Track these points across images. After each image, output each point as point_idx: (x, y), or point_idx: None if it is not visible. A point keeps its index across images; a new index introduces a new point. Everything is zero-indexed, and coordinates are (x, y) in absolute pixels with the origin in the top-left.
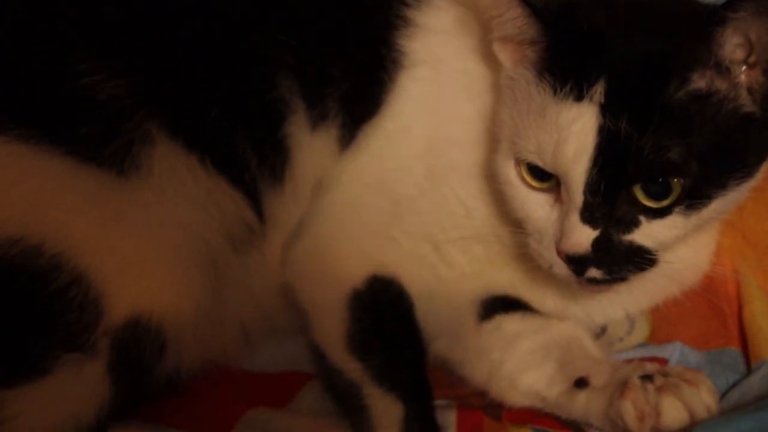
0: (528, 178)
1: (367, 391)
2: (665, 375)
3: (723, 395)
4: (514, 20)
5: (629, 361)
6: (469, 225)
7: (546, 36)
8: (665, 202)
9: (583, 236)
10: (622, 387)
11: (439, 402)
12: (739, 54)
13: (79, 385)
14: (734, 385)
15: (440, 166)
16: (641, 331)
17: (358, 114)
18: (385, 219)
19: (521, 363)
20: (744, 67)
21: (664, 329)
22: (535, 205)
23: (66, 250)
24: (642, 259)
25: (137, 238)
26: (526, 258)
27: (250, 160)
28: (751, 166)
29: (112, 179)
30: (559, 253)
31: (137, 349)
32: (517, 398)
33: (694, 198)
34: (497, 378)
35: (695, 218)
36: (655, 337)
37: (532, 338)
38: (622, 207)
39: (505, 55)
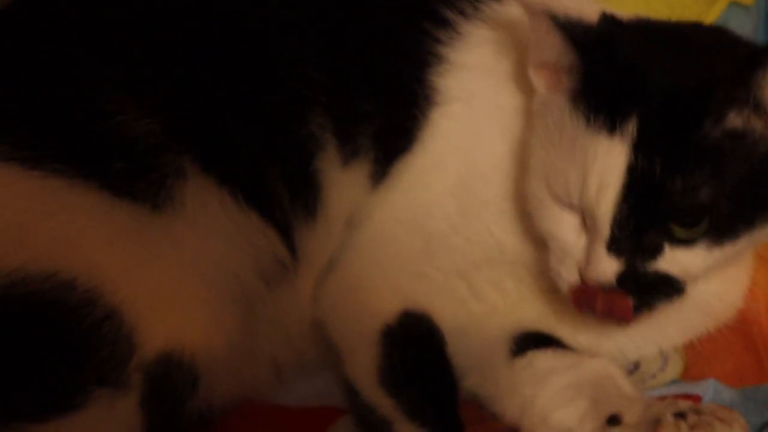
0: None
1: (398, 427)
2: (698, 413)
3: None
4: (552, 47)
5: (662, 398)
6: (502, 260)
7: (582, 64)
8: (691, 234)
9: (608, 266)
10: (655, 425)
11: None
12: None
13: (111, 420)
14: None
15: (472, 201)
16: (674, 368)
17: (390, 150)
18: (417, 255)
19: (553, 400)
20: None
21: (698, 366)
22: (566, 227)
23: (100, 285)
24: (668, 287)
25: (170, 272)
26: (557, 291)
27: (282, 196)
28: None
29: (145, 214)
30: (583, 280)
31: (169, 384)
32: None
33: (721, 232)
34: (529, 414)
35: (719, 252)
36: (688, 374)
37: (565, 375)
38: (649, 238)
39: (540, 80)
